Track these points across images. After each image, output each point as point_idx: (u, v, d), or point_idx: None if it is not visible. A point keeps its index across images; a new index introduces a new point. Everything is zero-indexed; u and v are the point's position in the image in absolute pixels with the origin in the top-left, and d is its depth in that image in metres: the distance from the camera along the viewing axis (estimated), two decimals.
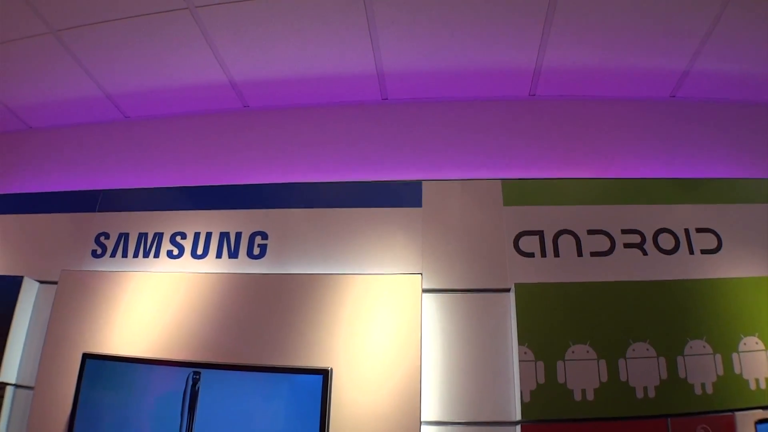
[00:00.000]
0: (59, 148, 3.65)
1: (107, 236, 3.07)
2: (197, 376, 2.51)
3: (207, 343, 2.61)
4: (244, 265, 2.78)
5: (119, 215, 3.09)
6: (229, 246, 2.85)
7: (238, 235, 2.86)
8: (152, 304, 2.77)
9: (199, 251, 2.87)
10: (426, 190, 2.84)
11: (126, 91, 3.38)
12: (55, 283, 3.04)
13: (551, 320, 2.51)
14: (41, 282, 3.12)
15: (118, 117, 3.61)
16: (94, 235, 3.10)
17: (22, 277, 3.05)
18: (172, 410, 2.49)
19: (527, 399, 2.38)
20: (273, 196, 2.90)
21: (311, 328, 2.53)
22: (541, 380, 2.40)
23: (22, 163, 3.75)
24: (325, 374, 2.39)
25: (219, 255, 2.84)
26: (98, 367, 2.68)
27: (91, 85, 3.35)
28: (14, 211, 3.41)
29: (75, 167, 3.52)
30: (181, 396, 2.50)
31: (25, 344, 3.05)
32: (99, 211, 3.16)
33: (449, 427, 2.45)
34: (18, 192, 3.50)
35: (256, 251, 2.81)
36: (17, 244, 3.32)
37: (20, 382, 3.00)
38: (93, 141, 3.57)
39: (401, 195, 2.84)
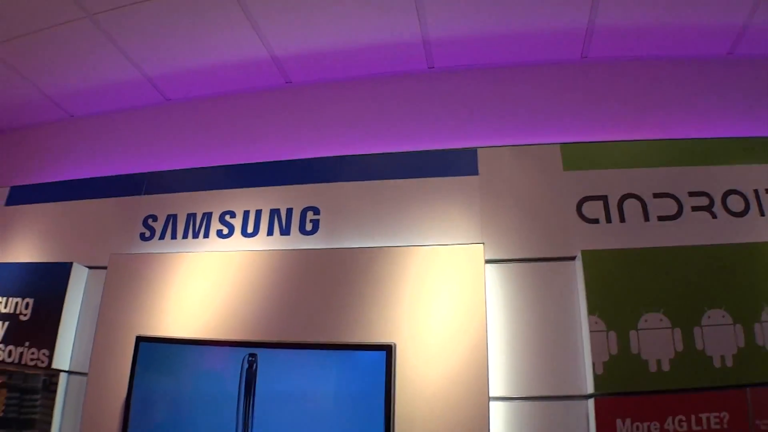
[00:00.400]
0: (102, 135, 3.61)
1: (155, 218, 3.02)
2: (253, 358, 2.44)
3: (263, 323, 2.54)
4: (296, 242, 2.70)
5: (166, 197, 3.03)
6: (281, 223, 2.78)
7: (289, 211, 2.78)
8: (204, 285, 2.71)
9: (250, 229, 2.80)
10: (482, 157, 2.72)
11: (166, 73, 3.32)
12: (105, 268, 3.00)
13: (622, 288, 2.38)
14: (90, 267, 3.09)
15: (159, 100, 3.55)
16: (142, 218, 3.05)
17: (71, 263, 3.02)
18: (229, 392, 2.42)
19: (600, 371, 2.26)
20: (323, 170, 2.81)
21: (370, 302, 2.44)
22: (614, 351, 2.28)
23: (66, 152, 3.72)
24: (388, 350, 2.30)
25: (270, 232, 2.77)
26: (152, 350, 2.62)
27: (130, 69, 3.29)
28: (61, 199, 3.39)
29: (119, 152, 3.48)
30: (238, 377, 2.43)
31: (76, 330, 3.01)
32: (145, 194, 3.10)
33: (518, 403, 2.35)
34: (64, 180, 3.46)
35: (309, 227, 2.73)
36: (65, 232, 3.29)
37: (73, 369, 2.97)
38: (135, 125, 3.52)
39: (456, 163, 2.72)
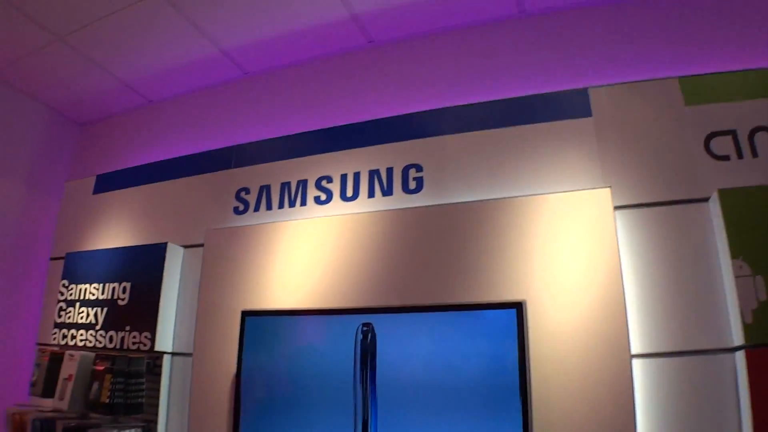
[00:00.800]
0: (183, 116, 3.53)
1: (247, 191, 2.91)
2: (367, 327, 2.28)
3: (375, 288, 2.39)
4: (400, 202, 2.53)
5: (257, 168, 2.92)
6: (381, 183, 2.62)
7: (390, 170, 2.61)
8: (307, 253, 2.57)
9: (349, 193, 2.65)
10: (594, 97, 2.49)
11: (242, 45, 3.20)
12: (200, 245, 2.91)
13: (766, 228, 2.13)
14: (185, 247, 3.00)
15: (237, 75, 3.45)
16: (234, 192, 2.94)
17: (165, 243, 2.94)
18: (344, 363, 2.27)
19: (749, 320, 2.02)
20: (423, 125, 2.63)
21: (491, 258, 2.25)
22: (763, 297, 2.03)
23: (149, 136, 3.67)
24: (518, 307, 2.09)
25: (371, 194, 2.61)
26: (259, 324, 2.51)
27: (206, 45, 3.19)
28: (149, 181, 3.32)
29: (202, 130, 3.39)
30: (352, 347, 2.28)
31: (176, 311, 2.93)
32: (235, 167, 3.00)
33: (660, 359, 2.12)
34: (149, 162, 3.40)
35: (412, 185, 2.56)
36: (156, 213, 3.22)
37: (176, 350, 2.89)
38: (216, 102, 3.42)
39: (566, 106, 2.50)
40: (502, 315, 2.09)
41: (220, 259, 2.77)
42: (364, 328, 2.27)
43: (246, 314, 2.53)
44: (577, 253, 2.16)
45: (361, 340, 2.27)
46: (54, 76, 3.55)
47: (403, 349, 2.19)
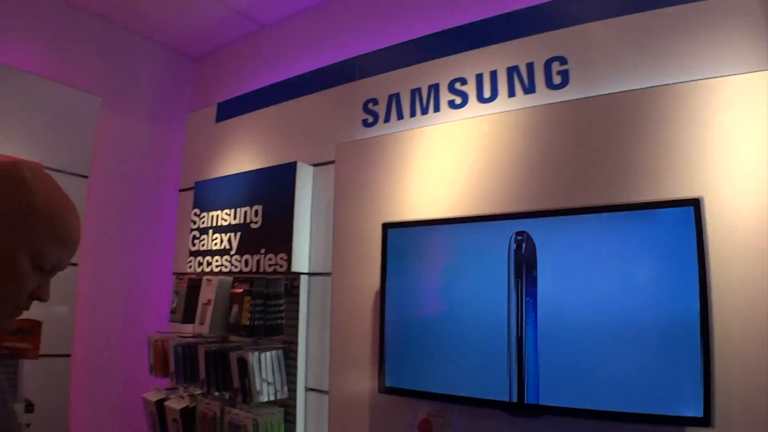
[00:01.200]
0: (299, 35, 3.40)
1: (375, 102, 2.74)
2: (521, 237, 2.08)
3: (526, 191, 2.17)
4: (545, 99, 2.28)
5: (383, 77, 2.74)
6: (522, 80, 2.37)
7: (530, 66, 2.36)
8: (448, 158, 2.39)
9: (486, 94, 2.43)
10: None
11: None
12: (331, 162, 2.80)
13: None
14: (315, 165, 2.90)
15: None
16: (361, 104, 2.79)
17: (294, 163, 2.84)
18: (497, 274, 2.09)
19: None
20: (564, 13, 2.34)
21: (656, 152, 1.95)
22: None
23: (268, 59, 3.58)
24: (695, 205, 1.80)
25: (512, 93, 2.37)
26: (401, 237, 2.37)
27: None
28: (271, 103, 3.23)
29: (322, 46, 3.24)
30: (506, 256, 2.09)
31: (311, 230, 2.85)
32: (360, 79, 2.84)
33: None
34: (270, 84, 3.31)
35: (557, 80, 2.30)
36: (282, 134, 3.14)
37: (313, 270, 2.81)
38: (333, 16, 3.25)
39: None
40: (674, 214, 1.83)
41: (353, 173, 2.65)
42: (518, 237, 2.08)
43: (387, 226, 2.39)
44: (755, 144, 1.83)
45: (515, 250, 2.07)
46: (167, 14, 3.52)
47: (562, 259, 1.97)
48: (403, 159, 2.50)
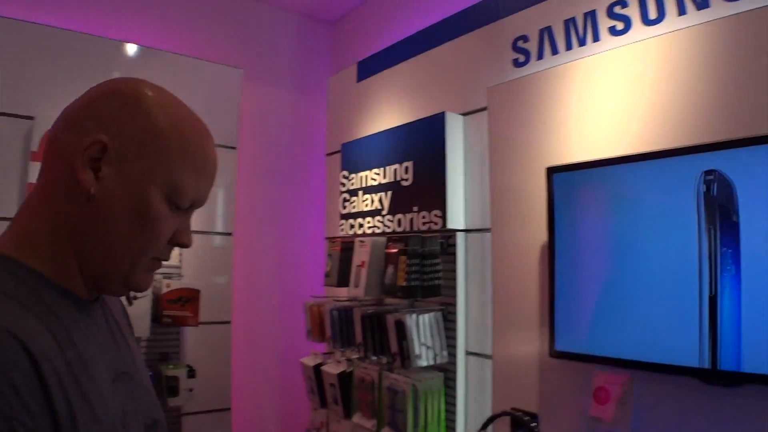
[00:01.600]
0: None
1: (525, 38, 2.48)
2: (711, 176, 1.75)
3: (713, 119, 1.84)
4: (722, 12, 1.91)
5: (531, 11, 2.45)
6: None
7: None
8: (613, 91, 2.08)
9: (652, 15, 2.07)
10: None
11: None
12: (481, 110, 2.59)
13: None
14: (465, 114, 2.70)
15: None
16: (510, 43, 2.53)
17: (442, 113, 2.66)
18: (683, 220, 1.78)
19: None
20: None
21: None
22: None
23: (403, 12, 3.42)
24: None
25: (682, 11, 2.01)
26: (569, 181, 2.11)
27: None
28: (414, 54, 3.06)
29: None
30: (694, 197, 1.77)
31: (464, 184, 2.66)
32: (505, 16, 2.58)
33: None
34: (407, 36, 3.14)
35: None
36: (427, 85, 2.96)
37: (469, 226, 2.63)
38: None
39: None
40: None
41: (508, 116, 2.42)
42: (708, 177, 1.75)
43: (552, 171, 2.14)
44: None
45: (704, 193, 1.75)
46: None
47: (763, 199, 1.63)
48: (563, 96, 2.24)
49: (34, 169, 2.76)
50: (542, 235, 2.18)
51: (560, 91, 2.24)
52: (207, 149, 0.86)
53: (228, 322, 3.24)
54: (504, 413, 2.09)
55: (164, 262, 0.89)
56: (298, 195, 3.77)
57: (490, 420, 2.08)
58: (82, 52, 2.98)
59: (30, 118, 2.85)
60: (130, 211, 0.79)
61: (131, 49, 3.14)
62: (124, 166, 0.79)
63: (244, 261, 3.46)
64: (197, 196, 0.86)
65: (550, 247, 2.11)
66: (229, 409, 3.21)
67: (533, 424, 2.04)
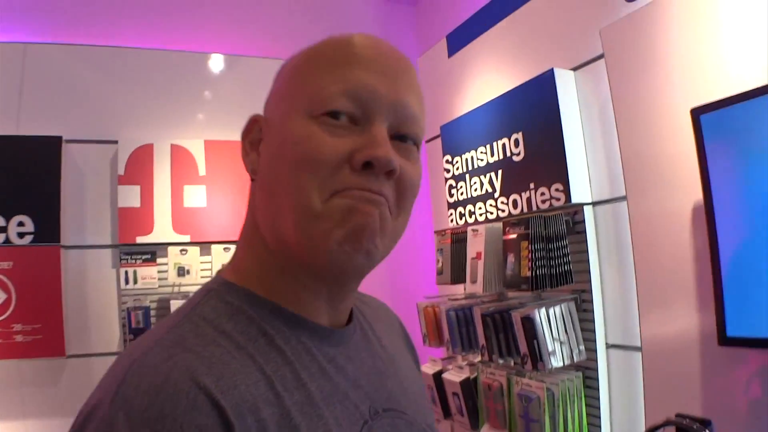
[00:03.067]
0: None
1: None
2: None
3: None
4: None
5: None
6: None
7: None
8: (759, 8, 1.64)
9: None
10: None
11: None
12: (596, 59, 2.19)
13: None
14: (575, 69, 2.31)
15: None
16: None
17: (550, 70, 2.28)
18: None
19: None
20: None
21: None
22: None
23: None
24: None
25: None
26: (721, 123, 1.67)
27: None
28: (506, 14, 2.69)
29: None
30: None
31: (586, 149, 2.27)
32: None
33: None
34: None
35: None
36: (526, 44, 2.59)
37: (597, 198, 2.23)
38: None
39: None
40: None
41: (629, 59, 2.00)
42: None
43: (698, 112, 1.71)
44: None
45: None
46: None
47: None
48: (699, 24, 1.79)
49: (123, 193, 2.78)
50: (693, 196, 1.76)
51: (690, 20, 1.81)
52: (356, 42, 0.66)
53: None
54: (668, 422, 1.66)
55: None
56: None
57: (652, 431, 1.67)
58: (165, 69, 2.98)
59: (114, 142, 2.85)
60: (277, 157, 0.64)
61: (216, 59, 3.09)
62: (270, 125, 0.67)
63: None
64: (360, 94, 0.62)
65: (708, 209, 1.69)
66: None
67: None
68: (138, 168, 2.83)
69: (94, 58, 2.88)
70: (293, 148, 0.61)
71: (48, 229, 2.69)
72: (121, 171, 2.79)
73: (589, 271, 2.17)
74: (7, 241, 2.64)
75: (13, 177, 2.68)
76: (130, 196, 2.79)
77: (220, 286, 0.66)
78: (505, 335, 2.23)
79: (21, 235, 2.66)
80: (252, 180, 0.69)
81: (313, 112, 0.61)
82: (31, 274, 2.65)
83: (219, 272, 0.70)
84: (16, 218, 2.66)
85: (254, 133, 0.69)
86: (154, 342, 0.58)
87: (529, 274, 2.16)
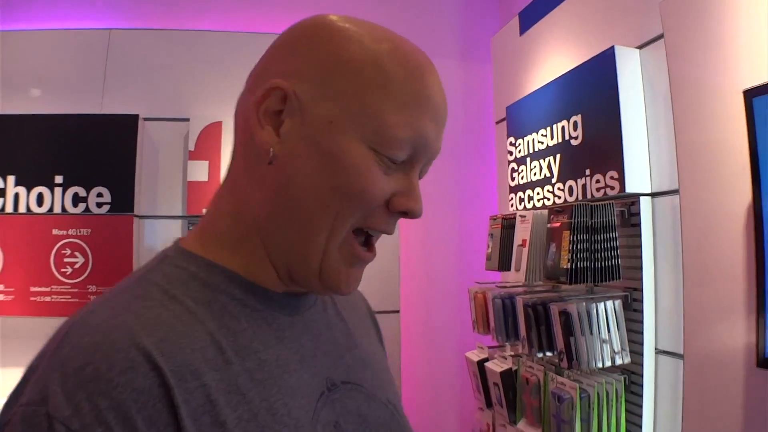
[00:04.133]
0: None
1: None
2: None
3: None
4: None
5: None
6: None
7: None
8: None
9: None
10: None
11: None
12: (657, 38, 1.99)
13: None
14: (640, 47, 2.12)
15: None
16: None
17: (611, 48, 2.10)
18: None
19: None
20: None
21: None
22: None
23: None
24: None
25: None
26: None
27: None
28: None
29: None
30: None
31: (648, 135, 2.08)
32: None
33: None
34: None
35: None
36: (595, 18, 2.40)
37: (657, 189, 2.04)
38: None
39: None
40: None
41: (694, 36, 1.79)
42: None
43: (751, 95, 1.51)
44: None
45: None
46: None
47: None
48: None
49: (193, 168, 2.90)
50: (746, 193, 1.56)
51: None
52: (427, 82, 0.63)
53: (397, 311, 3.01)
54: None
55: None
56: (469, 171, 3.41)
57: None
58: (234, 50, 3.03)
59: (186, 120, 2.97)
60: (318, 167, 0.60)
61: None
62: (307, 114, 0.60)
63: (410, 244, 3.21)
64: (418, 143, 0.62)
65: (756, 209, 1.50)
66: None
67: None
68: (208, 144, 2.93)
69: (170, 42, 3.02)
70: (348, 176, 0.60)
71: (124, 200, 2.86)
72: (191, 147, 2.90)
73: (641, 268, 2.00)
74: (87, 210, 2.83)
75: (95, 152, 2.87)
76: (199, 171, 2.90)
77: (176, 253, 0.65)
78: (546, 328, 2.11)
79: (99, 204, 2.84)
80: (247, 158, 0.65)
81: (376, 147, 0.60)
82: (107, 240, 2.84)
83: (180, 239, 0.69)
84: (96, 189, 2.85)
85: (273, 103, 0.62)
86: (100, 303, 0.58)
87: (567, 266, 2.02)
